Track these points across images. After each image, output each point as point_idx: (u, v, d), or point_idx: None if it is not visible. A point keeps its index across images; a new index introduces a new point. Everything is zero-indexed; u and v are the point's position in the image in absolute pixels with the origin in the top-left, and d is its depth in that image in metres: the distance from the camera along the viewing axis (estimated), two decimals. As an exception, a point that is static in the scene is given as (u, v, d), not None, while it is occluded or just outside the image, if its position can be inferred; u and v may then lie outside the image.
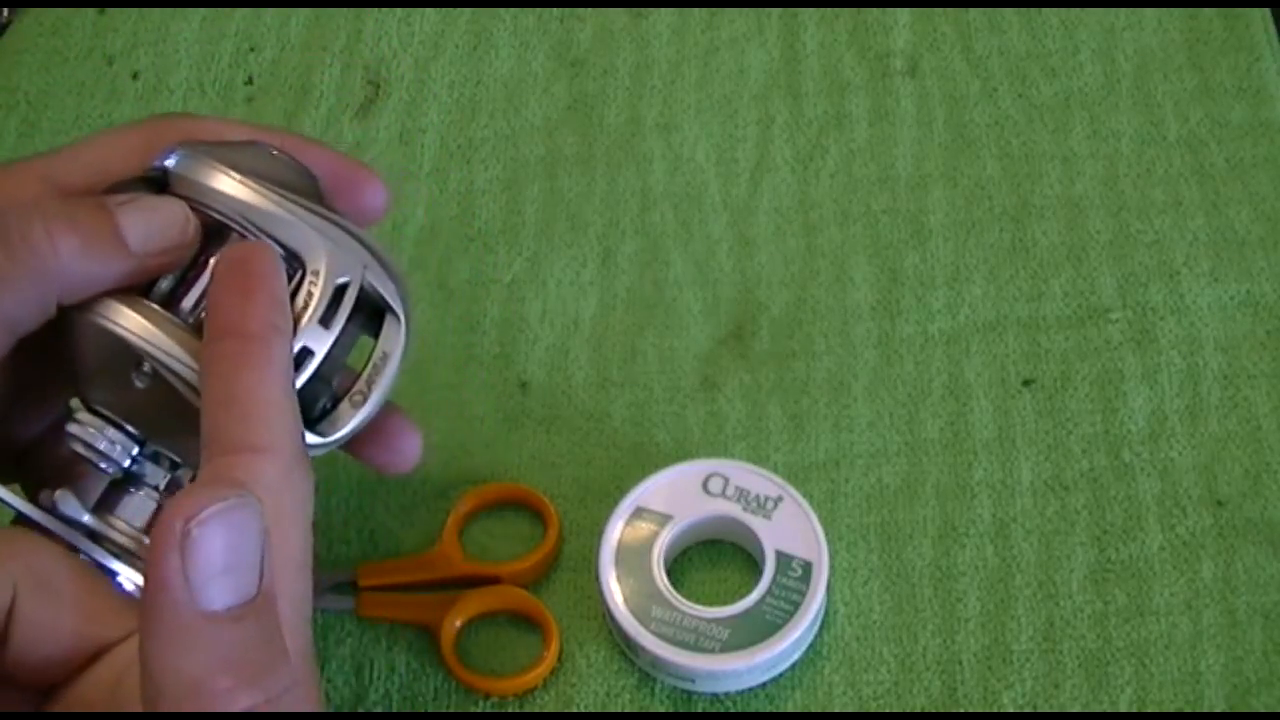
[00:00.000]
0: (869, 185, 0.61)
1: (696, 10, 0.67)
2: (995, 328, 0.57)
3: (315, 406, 0.41)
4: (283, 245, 0.41)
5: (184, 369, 0.39)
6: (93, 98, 0.66)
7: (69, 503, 0.40)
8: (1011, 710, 0.50)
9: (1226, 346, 0.56)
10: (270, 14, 0.68)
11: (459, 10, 0.67)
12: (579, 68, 0.65)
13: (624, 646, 0.51)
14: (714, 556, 0.53)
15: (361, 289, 0.42)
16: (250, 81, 0.66)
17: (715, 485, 0.52)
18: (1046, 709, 0.49)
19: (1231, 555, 0.52)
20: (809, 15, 0.66)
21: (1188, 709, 0.49)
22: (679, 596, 0.50)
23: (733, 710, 0.50)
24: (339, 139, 0.64)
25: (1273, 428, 0.55)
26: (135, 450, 0.41)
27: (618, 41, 0.66)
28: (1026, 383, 0.56)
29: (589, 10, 0.67)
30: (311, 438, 0.41)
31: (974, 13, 0.66)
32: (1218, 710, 0.49)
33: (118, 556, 0.40)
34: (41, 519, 0.40)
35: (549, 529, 0.53)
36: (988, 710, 0.50)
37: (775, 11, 0.66)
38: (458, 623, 0.51)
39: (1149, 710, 0.49)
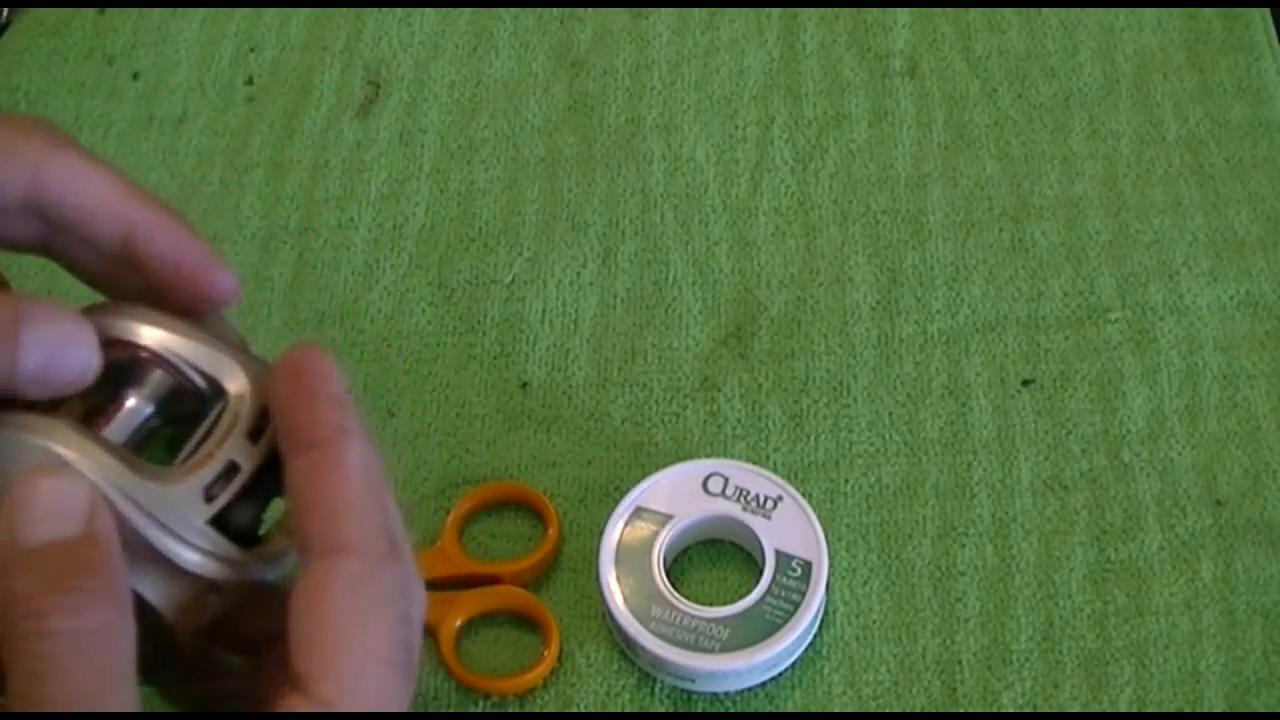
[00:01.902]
0: (869, 185, 0.61)
1: (696, 10, 0.67)
2: (995, 328, 0.57)
3: (247, 523, 0.40)
4: (203, 374, 0.41)
5: (111, 486, 0.38)
6: (93, 98, 0.66)
7: None
8: (1011, 710, 0.50)
9: (1226, 346, 0.56)
10: (270, 14, 0.68)
11: (459, 10, 0.67)
12: (579, 68, 0.65)
13: (624, 646, 0.51)
14: (714, 556, 0.53)
15: None
16: (250, 81, 0.66)
17: (715, 485, 0.52)
18: (1046, 709, 0.50)
19: (1231, 555, 0.52)
20: (809, 15, 0.66)
21: (1188, 709, 0.49)
22: (679, 596, 0.50)
23: (733, 710, 0.50)
24: (339, 139, 0.64)
25: (1272, 428, 0.55)
26: None
27: (618, 41, 0.66)
28: (1026, 383, 0.56)
29: (589, 10, 0.67)
30: (240, 555, 0.39)
31: (974, 13, 0.66)
32: (1218, 710, 0.49)
33: None
34: None
35: (549, 529, 0.53)
36: (988, 710, 0.50)
37: (775, 11, 0.66)
38: (458, 623, 0.51)
39: (1149, 710, 0.49)
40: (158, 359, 0.41)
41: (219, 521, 0.39)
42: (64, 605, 0.35)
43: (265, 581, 0.40)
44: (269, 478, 0.41)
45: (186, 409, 0.41)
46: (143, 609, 0.39)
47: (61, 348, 0.38)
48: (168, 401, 0.41)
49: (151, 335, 0.41)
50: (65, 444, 0.38)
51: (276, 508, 0.40)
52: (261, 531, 0.41)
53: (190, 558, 0.38)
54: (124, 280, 0.42)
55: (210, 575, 0.39)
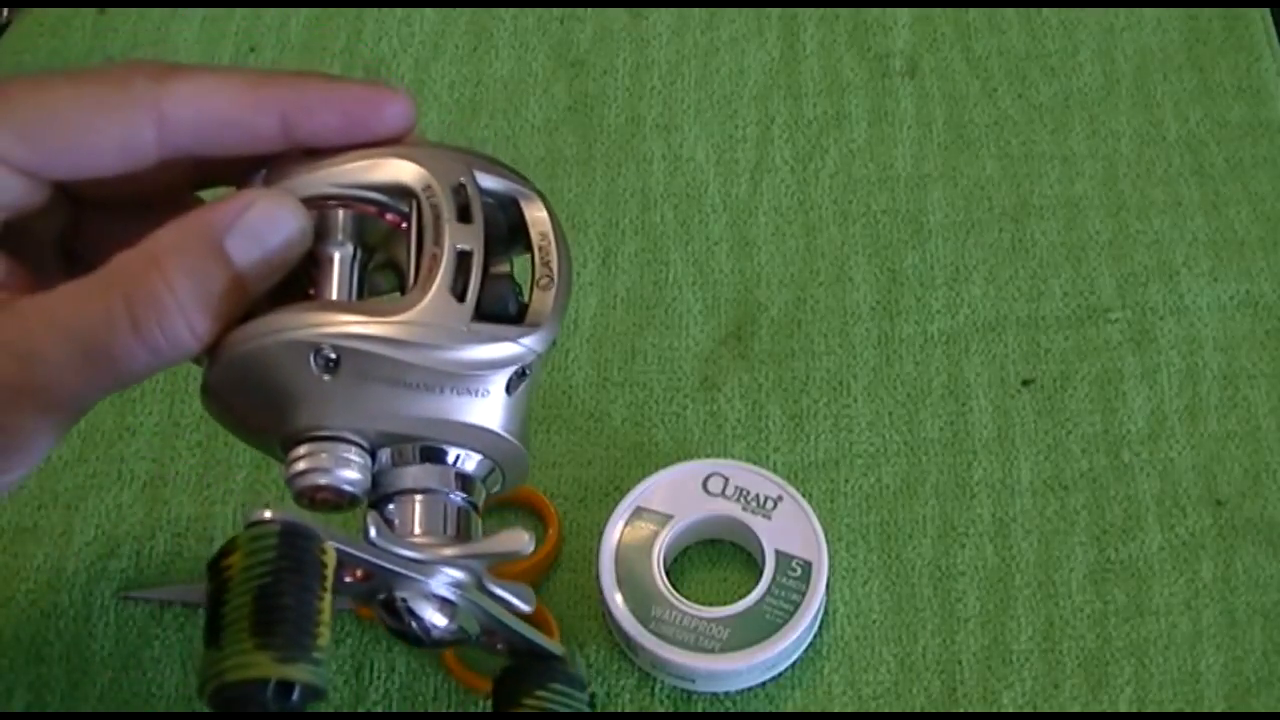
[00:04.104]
0: (869, 185, 0.61)
1: (696, 10, 0.67)
2: (995, 328, 0.57)
3: (507, 305, 0.38)
4: (384, 188, 0.39)
5: (362, 340, 0.36)
6: (93, 98, 0.66)
7: (381, 530, 0.37)
8: (1011, 710, 0.50)
9: (1226, 346, 0.56)
10: (270, 14, 0.68)
11: (459, 10, 0.67)
12: (579, 68, 0.65)
13: (624, 646, 0.51)
14: (714, 556, 0.53)
15: (481, 188, 0.39)
16: (250, 81, 0.66)
17: (715, 485, 0.52)
18: (1046, 709, 0.50)
19: (1231, 555, 0.52)
20: (809, 15, 0.66)
21: (1187, 709, 0.49)
22: (679, 596, 0.50)
23: (733, 710, 0.50)
24: (339, 139, 0.64)
25: (1272, 428, 0.55)
26: (369, 461, 0.37)
27: (618, 41, 0.66)
28: (1026, 383, 0.56)
29: (589, 10, 0.67)
30: (528, 339, 0.38)
31: (974, 13, 0.66)
32: (1218, 710, 0.49)
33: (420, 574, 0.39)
34: (381, 559, 0.38)
35: (549, 529, 0.53)
36: (988, 710, 0.50)
37: (775, 11, 0.66)
38: (458, 623, 0.51)
39: (1149, 710, 0.49)
40: (330, 199, 0.38)
41: (482, 314, 0.37)
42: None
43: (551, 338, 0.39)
44: (500, 245, 0.39)
45: (383, 233, 0.39)
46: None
47: (273, 222, 0.37)
48: (364, 234, 0.39)
49: (315, 180, 0.38)
50: (309, 325, 0.36)
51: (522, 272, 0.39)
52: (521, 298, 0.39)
53: (475, 358, 0.37)
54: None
55: (504, 360, 0.38)
